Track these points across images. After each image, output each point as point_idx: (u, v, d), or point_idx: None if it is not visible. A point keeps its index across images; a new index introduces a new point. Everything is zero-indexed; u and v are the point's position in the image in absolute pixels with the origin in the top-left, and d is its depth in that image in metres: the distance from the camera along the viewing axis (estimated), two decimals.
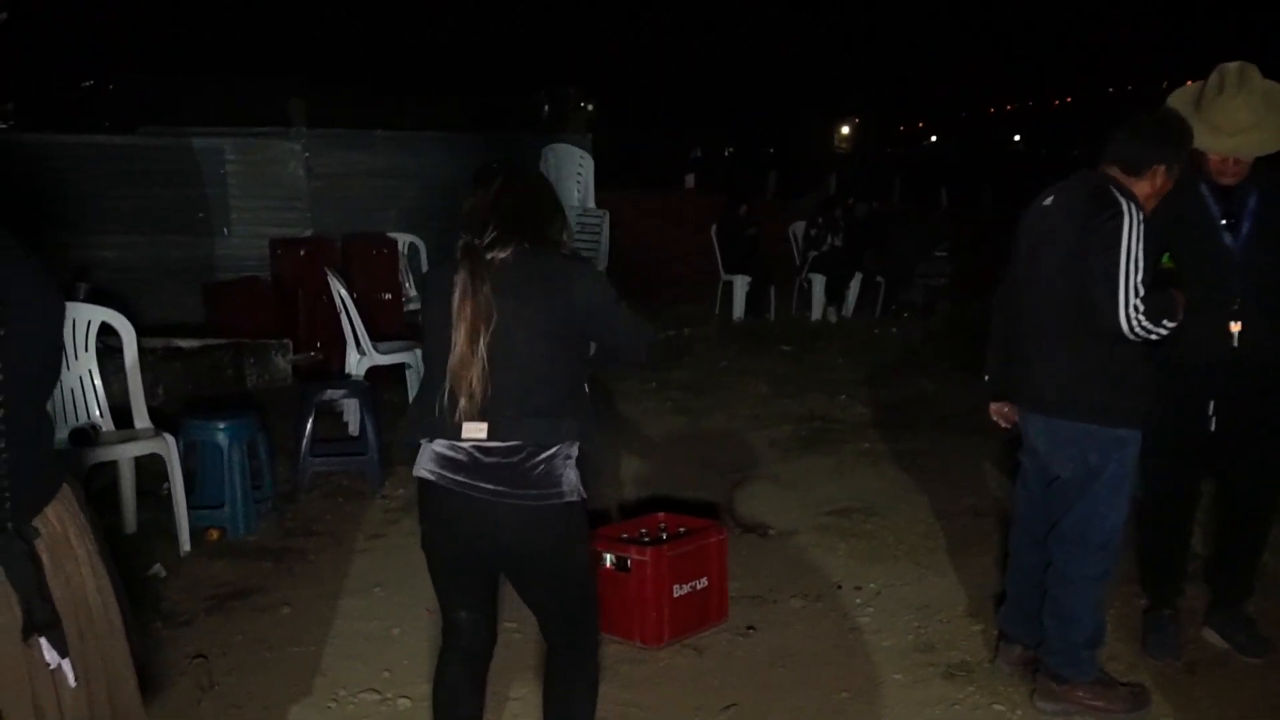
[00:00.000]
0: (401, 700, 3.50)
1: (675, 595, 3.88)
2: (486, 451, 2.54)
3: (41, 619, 1.82)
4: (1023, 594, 3.62)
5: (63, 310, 1.99)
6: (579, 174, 9.93)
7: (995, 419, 3.77)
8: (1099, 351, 3.23)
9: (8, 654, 1.79)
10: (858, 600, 4.33)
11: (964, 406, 7.46)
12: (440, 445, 2.59)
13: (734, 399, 7.81)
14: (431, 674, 3.59)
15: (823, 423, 7.14)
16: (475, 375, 2.49)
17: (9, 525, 1.81)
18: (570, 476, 2.60)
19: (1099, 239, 3.13)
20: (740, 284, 11.36)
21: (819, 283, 11.60)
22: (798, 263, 12.02)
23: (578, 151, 10.09)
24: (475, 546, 2.64)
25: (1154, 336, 3.15)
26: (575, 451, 2.61)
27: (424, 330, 2.65)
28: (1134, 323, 3.11)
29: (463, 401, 2.51)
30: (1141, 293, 3.09)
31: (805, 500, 5.51)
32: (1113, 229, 3.11)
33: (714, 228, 11.60)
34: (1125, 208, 3.13)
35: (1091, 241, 3.15)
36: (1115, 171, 3.26)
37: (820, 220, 11.94)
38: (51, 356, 1.97)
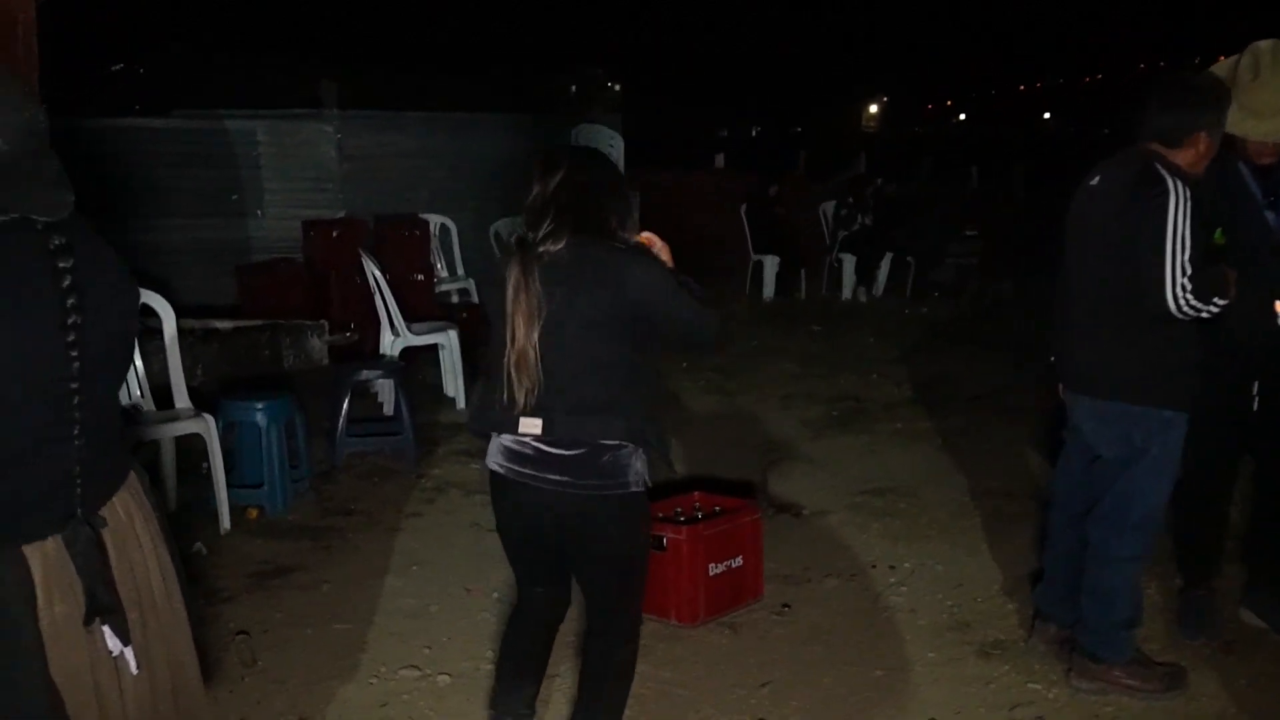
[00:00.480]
0: (441, 677, 3.54)
1: (711, 574, 3.91)
2: (549, 444, 2.60)
3: (103, 605, 1.84)
4: (1059, 573, 3.63)
5: (137, 300, 2.01)
6: (609, 153, 9.92)
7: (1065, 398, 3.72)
8: (1147, 332, 3.21)
9: (70, 641, 1.81)
10: (891, 579, 4.34)
11: (996, 386, 7.45)
12: (506, 439, 2.67)
13: (765, 379, 7.81)
14: (470, 651, 3.66)
15: (854, 402, 7.14)
16: (528, 370, 2.55)
17: (78, 513, 1.82)
18: (636, 466, 2.66)
19: (1145, 219, 3.11)
20: (770, 264, 11.34)
21: (849, 262, 11.56)
22: (827, 242, 11.98)
23: (607, 132, 10.09)
24: (542, 531, 2.71)
25: (1204, 314, 3.14)
26: (640, 443, 2.66)
27: (489, 322, 2.72)
28: (1182, 302, 3.09)
29: (519, 396, 2.57)
30: (1189, 271, 3.07)
31: (838, 480, 5.52)
32: (1158, 208, 3.09)
33: (743, 208, 11.57)
34: (1171, 185, 3.11)
35: (1138, 222, 3.13)
36: (1157, 146, 3.23)
37: (850, 200, 11.89)
38: (125, 346, 1.99)
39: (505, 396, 2.59)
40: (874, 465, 5.79)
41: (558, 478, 2.61)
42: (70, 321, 1.75)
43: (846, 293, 11.56)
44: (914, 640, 3.82)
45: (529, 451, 2.62)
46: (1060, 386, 3.59)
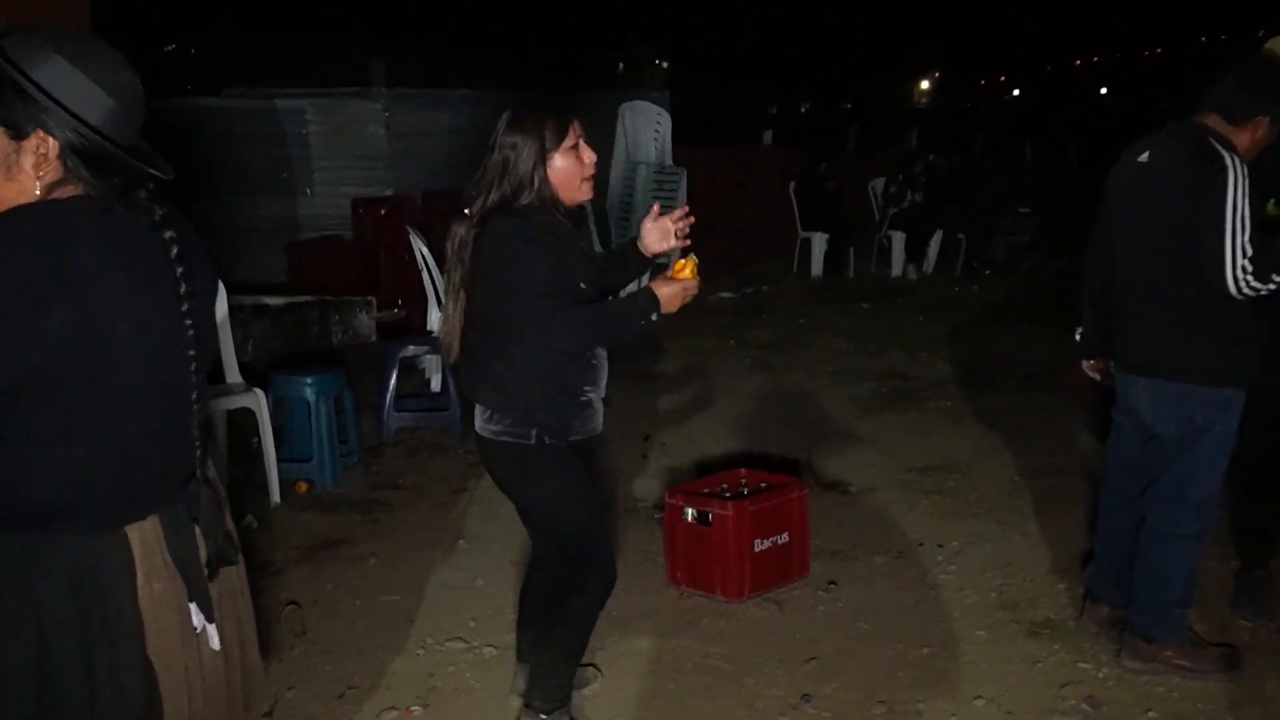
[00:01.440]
0: (487, 649, 3.56)
1: (756, 550, 3.89)
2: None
3: (227, 556, 1.90)
4: (1111, 554, 3.57)
5: (219, 274, 2.03)
6: (656, 131, 9.88)
7: (1090, 374, 3.68)
8: (1205, 311, 3.14)
9: (165, 620, 1.82)
10: (939, 557, 4.30)
11: (1048, 364, 7.34)
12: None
13: (813, 356, 7.77)
14: (514, 625, 3.69)
15: (903, 380, 7.08)
16: (455, 336, 2.79)
17: (196, 474, 1.86)
18: (507, 423, 2.75)
19: (1204, 198, 3.02)
20: (819, 241, 11.25)
21: (899, 239, 11.45)
22: (877, 219, 11.86)
23: (655, 109, 10.04)
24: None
25: (1264, 292, 3.06)
26: (520, 414, 2.74)
27: None
28: (1242, 283, 3.01)
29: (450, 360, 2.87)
30: (1249, 252, 2.99)
31: (886, 458, 5.48)
32: (1219, 187, 3.00)
33: (792, 184, 11.49)
34: (1230, 162, 3.02)
35: (1196, 201, 3.04)
36: (1215, 121, 3.14)
37: (900, 176, 11.76)
38: (214, 322, 1.99)
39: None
40: (923, 443, 5.74)
41: (477, 424, 2.86)
42: (183, 291, 1.76)
43: (896, 270, 11.45)
44: (962, 619, 3.78)
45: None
46: (1110, 365, 3.53)
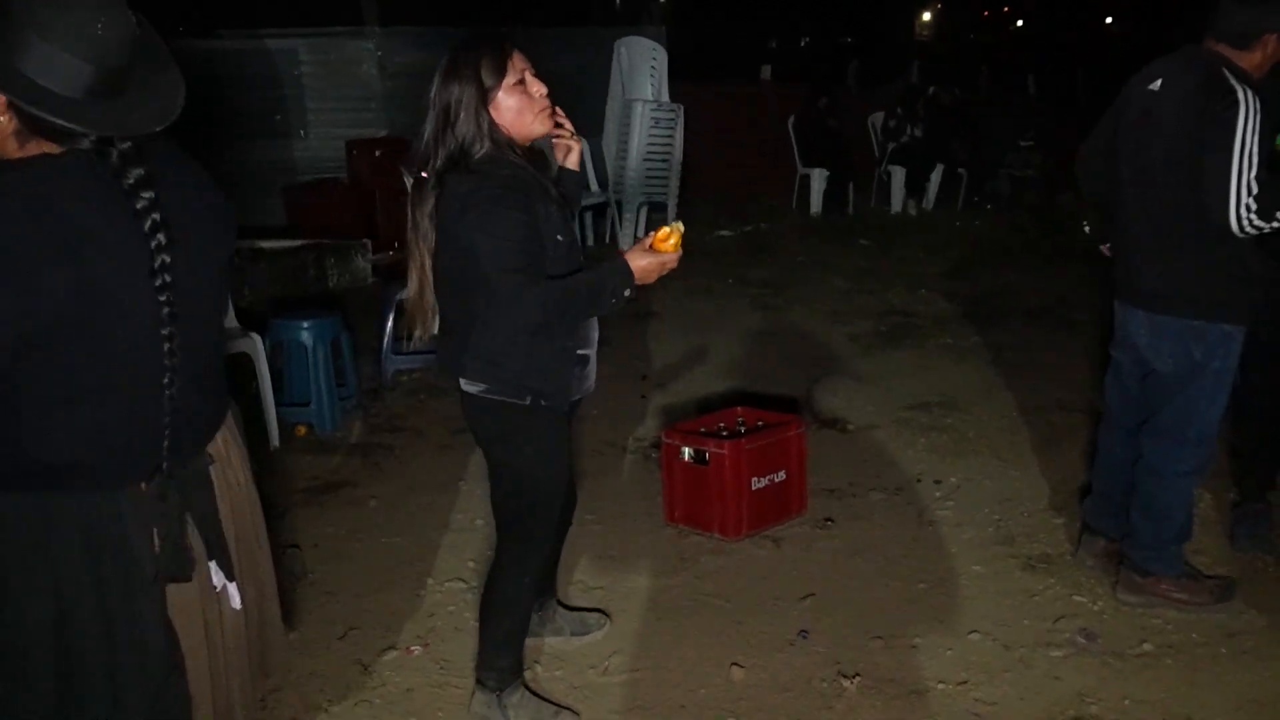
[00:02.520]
0: None
1: (753, 488, 3.90)
2: None
3: (214, 544, 1.87)
4: (1109, 487, 3.57)
5: (233, 222, 1.92)
6: (653, 67, 9.74)
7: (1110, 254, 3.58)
8: (1208, 246, 3.10)
9: (187, 584, 1.83)
10: (937, 494, 4.31)
11: (1053, 299, 7.33)
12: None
13: (813, 294, 7.74)
14: None
15: (903, 317, 7.05)
16: (425, 311, 2.64)
17: (163, 466, 1.78)
18: (503, 384, 2.58)
19: (1213, 133, 2.97)
20: (818, 178, 11.15)
21: (899, 175, 11.35)
22: (877, 155, 11.75)
23: (650, 44, 9.88)
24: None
25: (1267, 230, 3.02)
26: (511, 381, 2.58)
27: None
28: (1244, 221, 2.97)
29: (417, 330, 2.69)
30: (1255, 190, 2.94)
31: (885, 395, 5.47)
32: (1227, 122, 2.94)
33: (791, 120, 11.35)
34: (1241, 96, 2.95)
35: (1205, 135, 2.98)
36: (1224, 49, 3.07)
37: (899, 111, 11.62)
38: (221, 279, 1.90)
39: None
40: (923, 380, 5.73)
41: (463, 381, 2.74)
42: (158, 264, 1.66)
43: (896, 206, 11.37)
44: (959, 554, 3.80)
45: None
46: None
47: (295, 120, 9.36)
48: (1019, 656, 3.16)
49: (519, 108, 2.51)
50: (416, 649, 3.24)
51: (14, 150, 1.64)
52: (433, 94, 2.52)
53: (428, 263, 2.58)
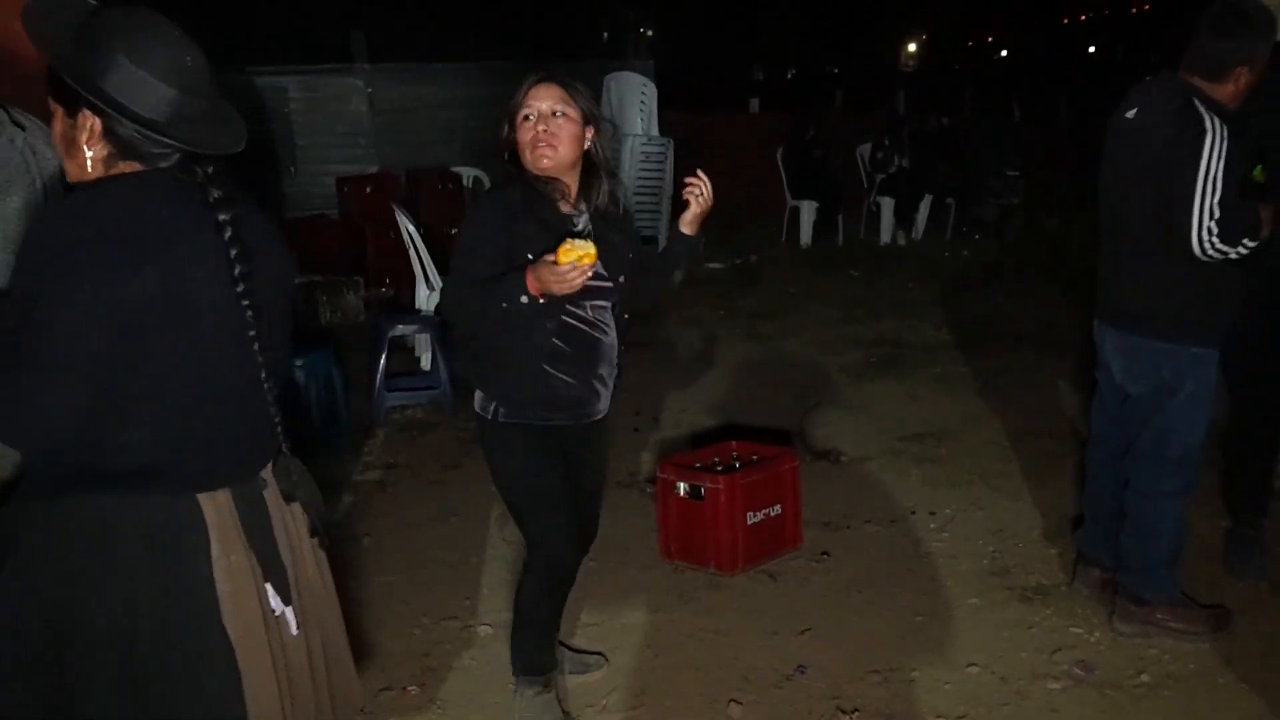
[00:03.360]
0: (483, 627, 3.57)
1: (749, 523, 3.90)
2: None
3: (269, 566, 1.88)
4: (1100, 514, 3.59)
5: (294, 272, 2.04)
6: (642, 102, 9.80)
7: None
8: (1179, 268, 3.14)
9: (245, 593, 1.83)
10: (932, 525, 4.31)
11: (1040, 324, 7.36)
12: None
13: (803, 324, 7.76)
14: (510, 602, 3.68)
15: (894, 347, 7.07)
16: None
17: (284, 448, 1.90)
18: (478, 398, 2.82)
19: (1180, 159, 3.03)
20: (808, 209, 11.20)
21: (888, 205, 11.41)
22: (865, 185, 11.81)
23: (640, 79, 9.95)
24: None
25: (1231, 256, 3.07)
26: (484, 385, 2.80)
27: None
28: (1207, 245, 3.04)
29: None
30: (1217, 214, 3.01)
31: (877, 425, 5.48)
32: (1195, 148, 3.01)
33: (779, 152, 11.42)
34: (1209, 124, 3.02)
35: (1174, 159, 3.05)
36: (1198, 80, 3.14)
37: (886, 142, 11.70)
38: (286, 314, 1.98)
39: None
40: (914, 410, 5.74)
41: None
42: (238, 272, 1.76)
43: (885, 236, 11.42)
44: (955, 586, 3.79)
45: None
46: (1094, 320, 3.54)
47: (285, 157, 9.40)
48: (1016, 689, 3.16)
49: (521, 137, 2.66)
50: (413, 689, 3.22)
51: (87, 170, 1.77)
52: None
53: None
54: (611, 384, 2.89)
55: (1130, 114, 3.26)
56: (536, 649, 2.99)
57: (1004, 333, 7.28)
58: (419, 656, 3.40)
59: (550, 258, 2.45)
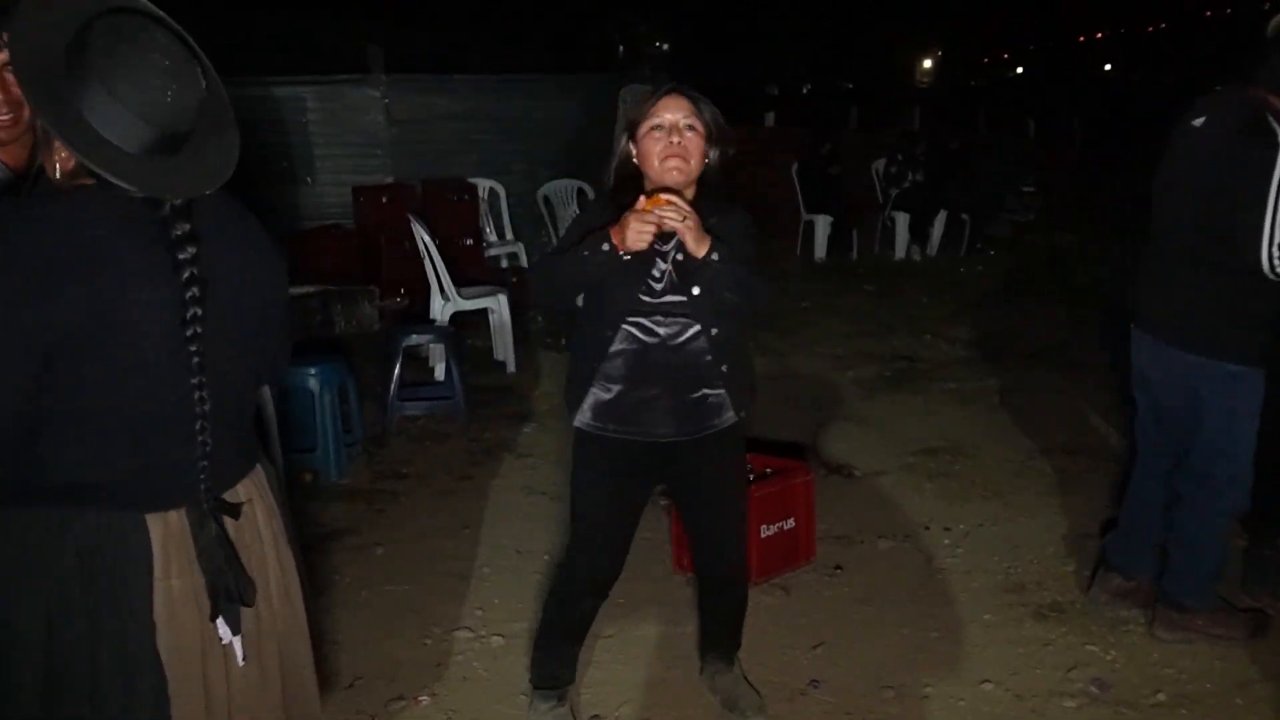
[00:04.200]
0: (495, 638, 3.56)
1: (763, 535, 3.88)
2: None
3: (228, 590, 1.82)
4: (1135, 527, 3.59)
5: (282, 283, 1.98)
6: None
7: None
8: (1225, 283, 3.11)
9: (183, 619, 1.79)
10: (946, 541, 4.29)
11: (1054, 341, 7.34)
12: None
13: (817, 339, 7.74)
14: (522, 613, 3.69)
15: (908, 362, 7.05)
16: None
17: (202, 500, 1.80)
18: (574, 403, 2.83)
19: (1249, 169, 2.99)
20: (822, 224, 11.20)
21: (902, 220, 11.40)
22: (880, 200, 11.81)
23: None
24: None
25: None
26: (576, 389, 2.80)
27: None
28: (1276, 262, 2.98)
29: None
30: None
31: (891, 440, 5.46)
32: (1265, 160, 2.96)
33: (794, 167, 11.43)
34: None
35: (1242, 173, 3.01)
36: (1268, 94, 3.08)
37: (900, 157, 11.70)
38: (263, 335, 1.92)
39: None
40: (928, 425, 5.72)
41: None
42: (189, 315, 1.71)
43: (900, 252, 11.40)
44: (969, 602, 3.77)
45: None
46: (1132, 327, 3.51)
47: (302, 166, 9.41)
48: (1031, 707, 3.13)
49: (645, 150, 2.65)
50: (424, 699, 3.21)
51: (53, 175, 1.74)
52: None
53: None
54: (701, 407, 2.77)
55: (1198, 122, 3.21)
56: (553, 661, 2.98)
57: (1018, 349, 7.26)
58: (430, 666, 3.39)
59: (660, 172, 2.59)
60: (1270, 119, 3.03)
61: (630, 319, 2.68)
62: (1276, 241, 2.97)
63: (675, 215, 2.49)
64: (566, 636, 3.00)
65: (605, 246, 2.53)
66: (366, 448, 5.37)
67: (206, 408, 1.77)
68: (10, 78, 2.10)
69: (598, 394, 2.74)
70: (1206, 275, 3.15)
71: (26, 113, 2.11)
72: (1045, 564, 4.05)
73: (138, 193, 1.70)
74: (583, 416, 2.77)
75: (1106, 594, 3.62)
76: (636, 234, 2.49)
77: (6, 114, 2.15)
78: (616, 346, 2.69)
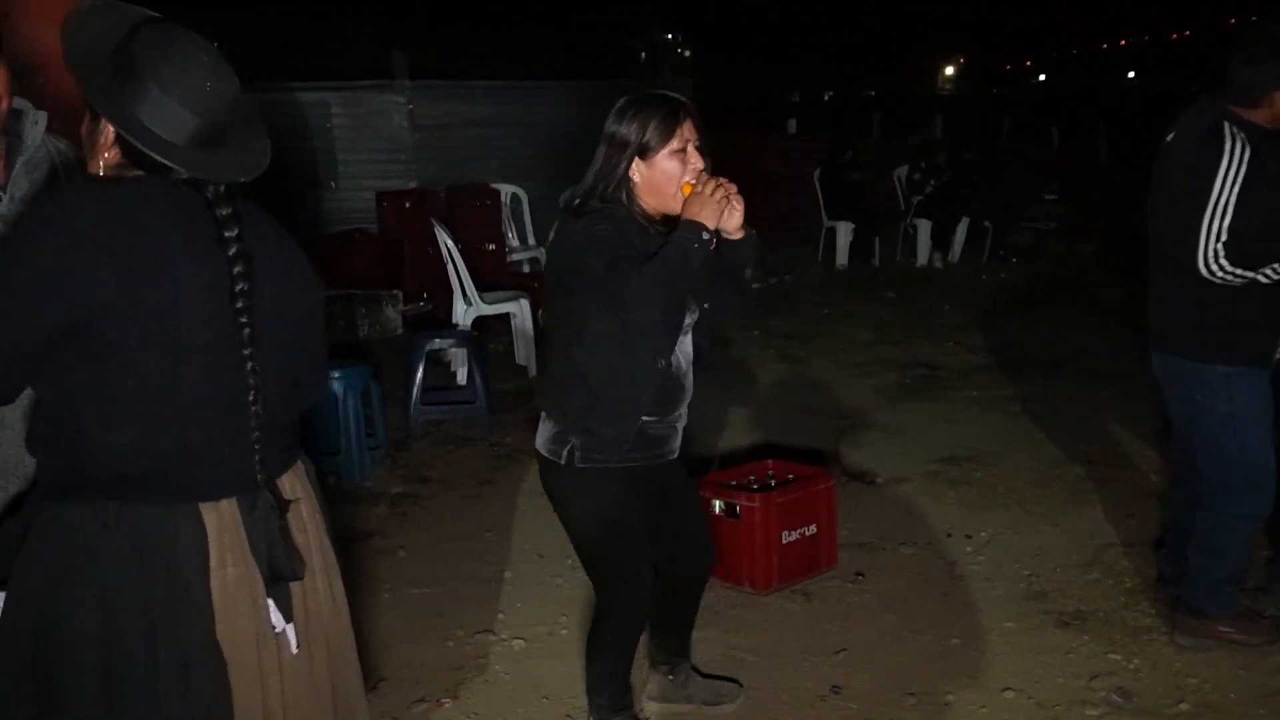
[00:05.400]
0: (516, 641, 3.58)
1: (784, 542, 3.89)
2: None
3: (284, 570, 1.83)
4: (1174, 533, 3.62)
5: (318, 298, 2.00)
6: None
7: None
8: (1205, 288, 3.14)
9: (239, 608, 1.80)
10: (967, 548, 4.28)
11: (1076, 350, 7.31)
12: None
13: (838, 346, 7.74)
14: (544, 616, 3.72)
15: (929, 369, 7.04)
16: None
17: (258, 479, 1.82)
18: (549, 440, 2.68)
19: (1197, 174, 3.07)
20: (844, 230, 11.19)
21: (924, 228, 11.38)
22: (902, 208, 11.79)
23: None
24: None
25: (1240, 281, 3.07)
26: (565, 420, 2.64)
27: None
28: (1214, 266, 3.06)
29: None
30: (1224, 237, 3.03)
31: (913, 448, 5.46)
32: (1209, 170, 3.04)
33: (816, 173, 11.43)
34: (1229, 146, 3.04)
35: (1192, 178, 3.09)
36: (1234, 105, 3.14)
37: (923, 164, 11.68)
38: (301, 337, 1.94)
39: None
40: (950, 433, 5.71)
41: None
42: (239, 289, 1.76)
43: (922, 259, 11.38)
44: (991, 610, 3.76)
45: None
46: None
47: (326, 172, 9.48)
48: (1053, 715, 3.12)
49: (668, 174, 2.54)
50: (447, 702, 3.23)
51: (98, 171, 1.81)
52: (605, 129, 2.59)
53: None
54: (684, 422, 2.80)
55: (1169, 138, 3.30)
56: (619, 690, 2.92)
57: (1040, 358, 7.23)
58: (453, 669, 3.41)
59: (680, 197, 2.47)
60: (1227, 127, 3.08)
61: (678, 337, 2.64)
62: (1211, 248, 3.04)
63: (727, 184, 2.45)
64: (630, 664, 2.94)
65: (706, 235, 2.40)
66: (389, 451, 5.40)
67: (258, 380, 1.80)
68: None
69: (628, 422, 2.61)
70: (1189, 282, 3.17)
71: (4, 106, 2.19)
72: (1067, 572, 4.04)
73: (184, 174, 1.77)
74: (595, 450, 2.62)
75: (1164, 606, 3.62)
76: (733, 213, 2.45)
77: None
78: (666, 372, 2.61)
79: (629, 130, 2.53)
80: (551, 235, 2.65)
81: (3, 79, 2.20)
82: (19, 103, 2.26)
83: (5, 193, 2.23)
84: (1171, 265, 3.25)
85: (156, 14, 1.82)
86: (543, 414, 2.74)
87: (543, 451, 2.71)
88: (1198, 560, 3.39)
